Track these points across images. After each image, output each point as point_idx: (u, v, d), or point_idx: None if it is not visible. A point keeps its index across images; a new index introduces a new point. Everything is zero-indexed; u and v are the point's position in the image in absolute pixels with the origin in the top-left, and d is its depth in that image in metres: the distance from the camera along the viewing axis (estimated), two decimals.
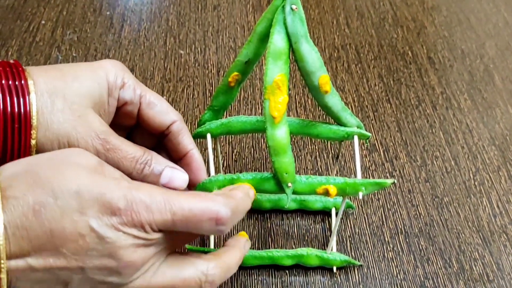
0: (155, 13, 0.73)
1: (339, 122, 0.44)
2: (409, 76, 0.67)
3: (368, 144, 0.58)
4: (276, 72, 0.39)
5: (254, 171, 0.55)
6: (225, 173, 0.44)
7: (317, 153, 0.57)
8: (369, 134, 0.44)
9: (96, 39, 0.69)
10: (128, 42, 0.69)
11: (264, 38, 0.40)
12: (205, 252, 0.47)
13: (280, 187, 0.43)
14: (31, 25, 0.69)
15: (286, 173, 0.42)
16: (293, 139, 0.58)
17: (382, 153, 0.58)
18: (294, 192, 0.43)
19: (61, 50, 0.67)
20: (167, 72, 0.65)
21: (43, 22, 0.70)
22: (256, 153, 0.57)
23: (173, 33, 0.70)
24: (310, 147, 0.58)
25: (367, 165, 0.56)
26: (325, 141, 0.58)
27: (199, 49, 0.68)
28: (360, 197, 0.42)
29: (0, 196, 0.29)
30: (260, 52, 0.41)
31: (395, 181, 0.50)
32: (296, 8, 0.38)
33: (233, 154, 0.57)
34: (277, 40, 0.39)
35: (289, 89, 0.64)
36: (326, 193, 0.42)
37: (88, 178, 0.31)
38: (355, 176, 0.43)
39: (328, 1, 0.78)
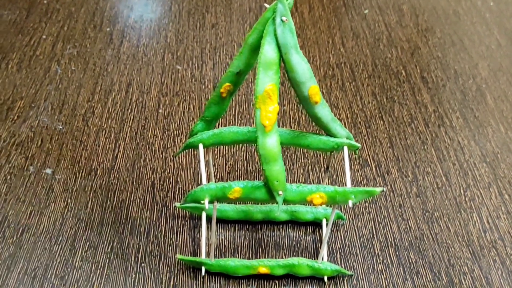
0: (154, 30, 0.75)
1: (329, 133, 0.45)
2: (402, 95, 0.68)
3: (361, 159, 0.59)
4: (266, 81, 0.40)
5: None
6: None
7: (310, 166, 0.58)
8: (359, 144, 0.45)
9: (95, 54, 0.70)
10: (127, 57, 0.70)
11: (255, 49, 0.41)
12: (197, 262, 0.48)
13: (271, 195, 0.43)
14: (32, 39, 0.71)
15: (276, 181, 0.42)
16: (286, 153, 0.59)
17: (374, 168, 0.58)
18: (285, 201, 0.44)
19: (61, 64, 0.68)
20: (164, 86, 0.66)
21: (44, 36, 0.72)
22: (249, 166, 0.58)
23: (171, 50, 0.72)
24: (302, 160, 0.59)
25: (359, 180, 0.57)
26: (318, 155, 0.59)
27: (196, 65, 0.70)
28: (350, 205, 0.43)
29: None
30: (251, 63, 0.42)
31: (384, 190, 0.51)
32: (286, 20, 0.39)
33: (227, 166, 0.57)
34: (268, 51, 0.40)
35: (284, 105, 0.65)
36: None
37: None
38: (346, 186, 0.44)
39: (324, 21, 0.79)
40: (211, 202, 0.44)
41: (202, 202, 0.43)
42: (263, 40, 0.40)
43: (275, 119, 0.41)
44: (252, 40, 0.41)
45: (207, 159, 0.49)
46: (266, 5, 0.40)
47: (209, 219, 0.49)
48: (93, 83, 0.66)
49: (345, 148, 0.45)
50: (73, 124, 0.61)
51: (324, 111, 0.44)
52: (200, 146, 0.46)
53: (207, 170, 0.50)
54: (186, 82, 0.67)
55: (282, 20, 0.39)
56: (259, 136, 0.41)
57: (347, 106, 0.66)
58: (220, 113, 0.46)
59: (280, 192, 0.43)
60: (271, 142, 0.41)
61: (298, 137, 0.46)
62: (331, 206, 0.51)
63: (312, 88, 0.42)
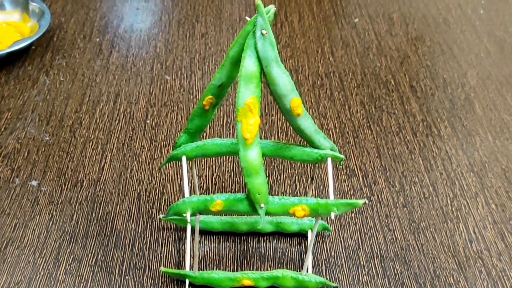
0: (144, 40, 0.75)
1: (312, 144, 0.45)
2: (390, 104, 0.68)
3: (348, 169, 0.59)
4: (247, 95, 0.40)
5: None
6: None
7: (296, 177, 0.58)
8: (342, 156, 0.45)
9: (84, 64, 0.70)
10: (116, 67, 0.70)
11: (237, 62, 0.41)
12: (181, 275, 0.48)
13: (253, 208, 0.43)
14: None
15: (258, 194, 0.42)
16: (273, 164, 0.59)
17: (361, 178, 0.58)
18: (267, 213, 0.44)
19: (49, 74, 0.68)
20: (152, 97, 0.66)
21: (33, 47, 0.72)
22: (236, 177, 0.58)
23: (160, 60, 0.72)
24: (289, 171, 0.58)
25: (346, 190, 0.57)
26: (304, 165, 0.59)
27: (185, 75, 0.70)
28: (333, 217, 0.43)
29: None
30: (233, 75, 0.42)
31: (367, 202, 0.51)
32: (266, 33, 0.39)
33: (213, 178, 0.57)
34: (249, 64, 0.40)
35: (272, 115, 0.65)
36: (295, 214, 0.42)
37: None
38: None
39: (314, 30, 0.79)
40: (193, 215, 0.43)
41: (184, 215, 0.43)
42: (244, 54, 0.40)
43: (256, 132, 0.41)
44: (233, 53, 0.42)
45: (191, 171, 0.49)
46: (247, 18, 0.40)
47: (193, 231, 0.49)
48: (81, 93, 0.66)
49: (329, 160, 0.45)
50: (60, 135, 0.61)
51: (307, 123, 0.44)
52: (183, 158, 0.46)
53: (192, 182, 0.50)
54: (174, 93, 0.67)
55: (262, 34, 0.39)
56: (240, 149, 0.41)
57: (335, 116, 0.66)
58: (204, 125, 0.46)
59: (262, 205, 0.42)
60: (252, 155, 0.41)
61: (282, 149, 0.46)
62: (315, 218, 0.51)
63: (294, 100, 0.42)
